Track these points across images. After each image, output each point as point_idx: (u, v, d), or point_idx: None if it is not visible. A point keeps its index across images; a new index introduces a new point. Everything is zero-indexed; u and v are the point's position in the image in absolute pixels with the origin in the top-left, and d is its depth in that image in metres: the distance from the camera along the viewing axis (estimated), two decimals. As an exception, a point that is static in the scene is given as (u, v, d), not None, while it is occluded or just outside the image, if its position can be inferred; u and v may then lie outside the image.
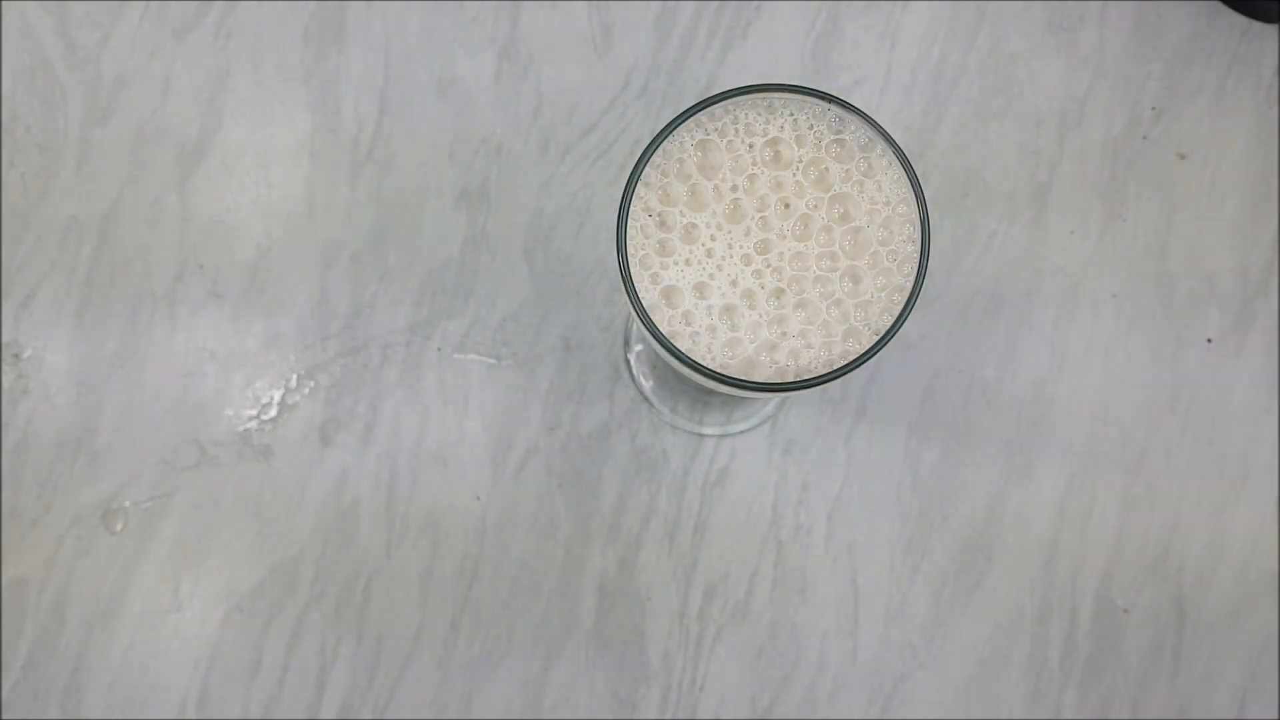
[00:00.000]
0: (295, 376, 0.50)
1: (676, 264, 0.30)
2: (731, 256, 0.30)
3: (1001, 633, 0.49)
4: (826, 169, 0.31)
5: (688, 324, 0.30)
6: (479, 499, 0.49)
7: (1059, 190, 0.50)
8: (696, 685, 0.48)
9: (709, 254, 0.31)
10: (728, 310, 0.31)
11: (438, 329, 0.50)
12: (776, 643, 0.48)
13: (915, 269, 0.30)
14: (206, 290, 0.50)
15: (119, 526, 0.49)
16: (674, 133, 0.31)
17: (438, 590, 0.49)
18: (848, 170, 0.31)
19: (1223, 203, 0.50)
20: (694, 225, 0.31)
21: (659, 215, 0.31)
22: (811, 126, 0.31)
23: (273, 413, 0.50)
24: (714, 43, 0.51)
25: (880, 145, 0.31)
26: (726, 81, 0.51)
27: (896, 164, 0.30)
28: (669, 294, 0.30)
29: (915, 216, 0.30)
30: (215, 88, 0.51)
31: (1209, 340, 0.50)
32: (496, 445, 0.49)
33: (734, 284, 0.30)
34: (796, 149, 0.31)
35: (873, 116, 0.31)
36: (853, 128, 0.31)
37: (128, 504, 0.49)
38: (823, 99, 0.30)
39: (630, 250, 0.30)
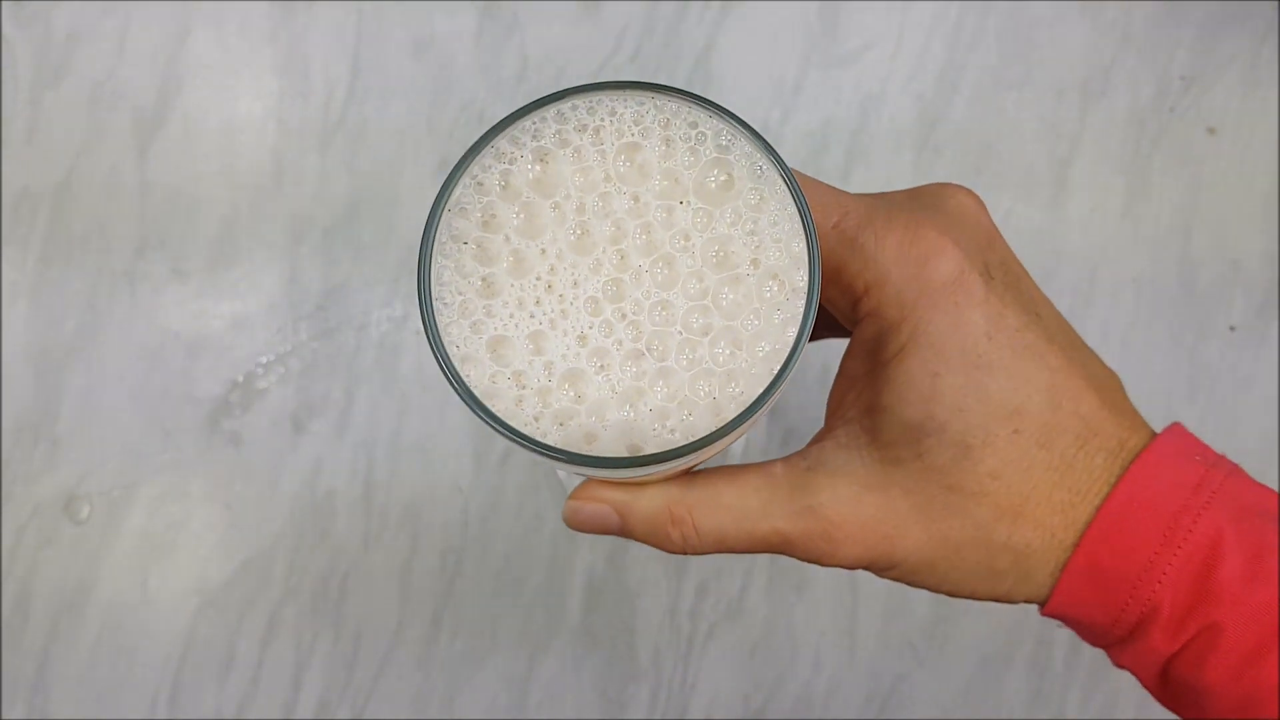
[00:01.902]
0: (265, 360, 0.47)
1: (506, 305, 0.24)
2: (577, 297, 0.24)
3: (1004, 631, 0.47)
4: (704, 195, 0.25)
5: (520, 385, 0.24)
6: (461, 490, 0.47)
7: (1080, 166, 0.47)
8: (687, 684, 0.47)
9: (549, 289, 0.24)
10: (571, 376, 0.24)
11: (416, 310, 0.47)
12: (771, 641, 0.47)
13: (796, 335, 0.23)
14: (169, 267, 0.47)
15: (83, 516, 0.47)
16: (500, 141, 0.24)
17: (418, 585, 0.47)
18: (730, 201, 0.24)
19: (1253, 181, 0.47)
20: (523, 254, 0.24)
21: (478, 244, 0.24)
22: (688, 138, 0.25)
23: (242, 398, 0.47)
24: (712, 2, 0.48)
25: (771, 174, 0.24)
26: (724, 46, 0.48)
27: (790, 200, 0.24)
28: (497, 345, 0.24)
29: (805, 266, 0.24)
30: (175, 47, 0.47)
31: (1232, 328, 0.47)
32: (479, 434, 0.47)
33: (582, 339, 0.24)
34: (662, 163, 0.25)
35: (768, 146, 0.24)
36: (744, 149, 0.24)
37: (91, 493, 0.47)
38: (704, 107, 0.24)
39: (443, 295, 0.24)
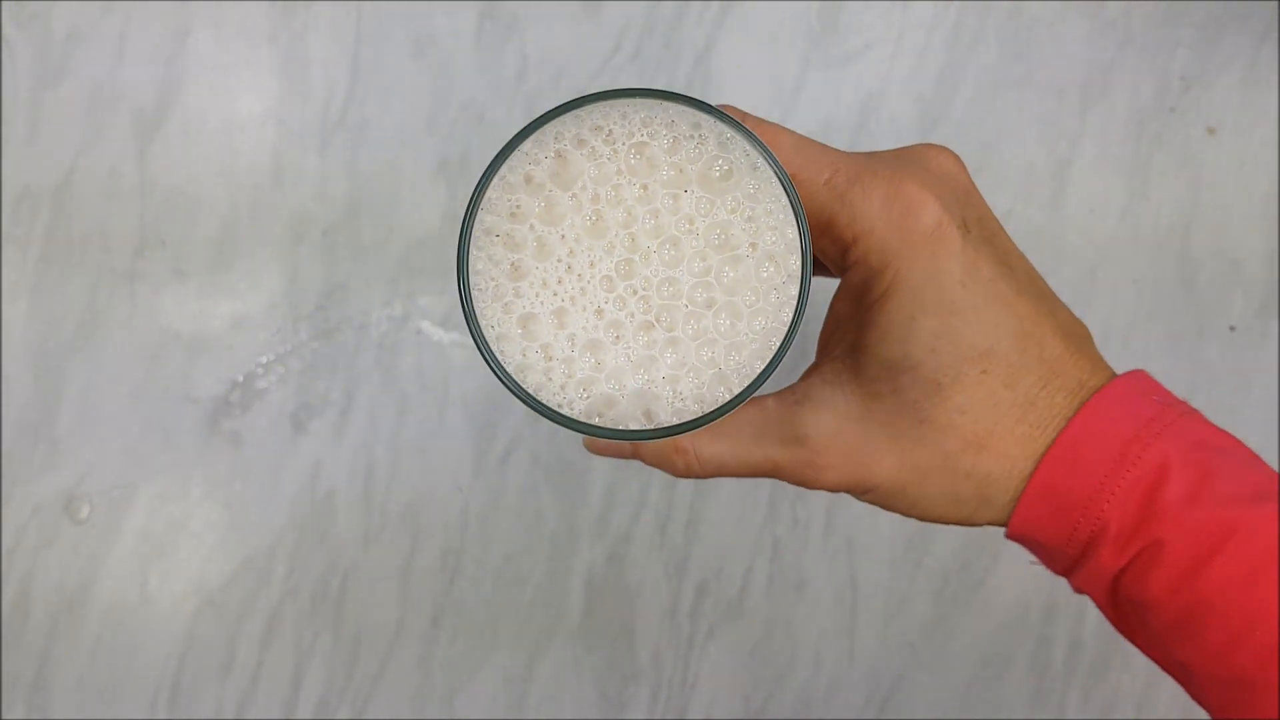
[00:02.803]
0: (265, 360, 0.47)
1: (533, 286, 0.27)
2: (594, 276, 0.27)
3: (1004, 631, 0.47)
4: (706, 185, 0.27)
5: (546, 358, 0.27)
6: (461, 490, 0.47)
7: (1080, 166, 0.47)
8: (687, 684, 0.47)
9: (569, 269, 0.27)
10: (591, 346, 0.27)
11: (416, 309, 0.47)
12: (771, 641, 0.47)
13: (793, 311, 0.26)
14: (169, 267, 0.47)
15: (83, 516, 0.47)
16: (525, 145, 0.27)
17: (418, 585, 0.47)
18: (730, 194, 0.27)
19: (1253, 181, 0.47)
20: (545, 239, 0.27)
21: (507, 234, 0.27)
22: (693, 137, 0.27)
23: (242, 398, 0.47)
24: (712, 2, 0.48)
25: (766, 170, 0.27)
26: (724, 46, 0.48)
27: (783, 193, 0.27)
28: (526, 322, 0.27)
29: (799, 251, 0.26)
30: (174, 47, 0.47)
31: (1232, 328, 0.47)
32: (479, 433, 0.47)
33: (599, 313, 0.27)
34: (669, 157, 0.27)
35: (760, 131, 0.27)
36: (743, 147, 0.27)
37: (91, 493, 0.47)
38: (707, 112, 0.27)
39: (478, 283, 0.27)
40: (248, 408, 0.47)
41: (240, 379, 0.47)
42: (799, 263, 0.26)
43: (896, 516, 0.47)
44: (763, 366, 0.26)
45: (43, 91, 0.47)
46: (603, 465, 0.47)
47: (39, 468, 0.47)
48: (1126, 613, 0.29)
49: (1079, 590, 0.30)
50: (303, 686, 0.46)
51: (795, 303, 0.26)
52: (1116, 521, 0.27)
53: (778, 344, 0.26)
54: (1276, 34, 0.47)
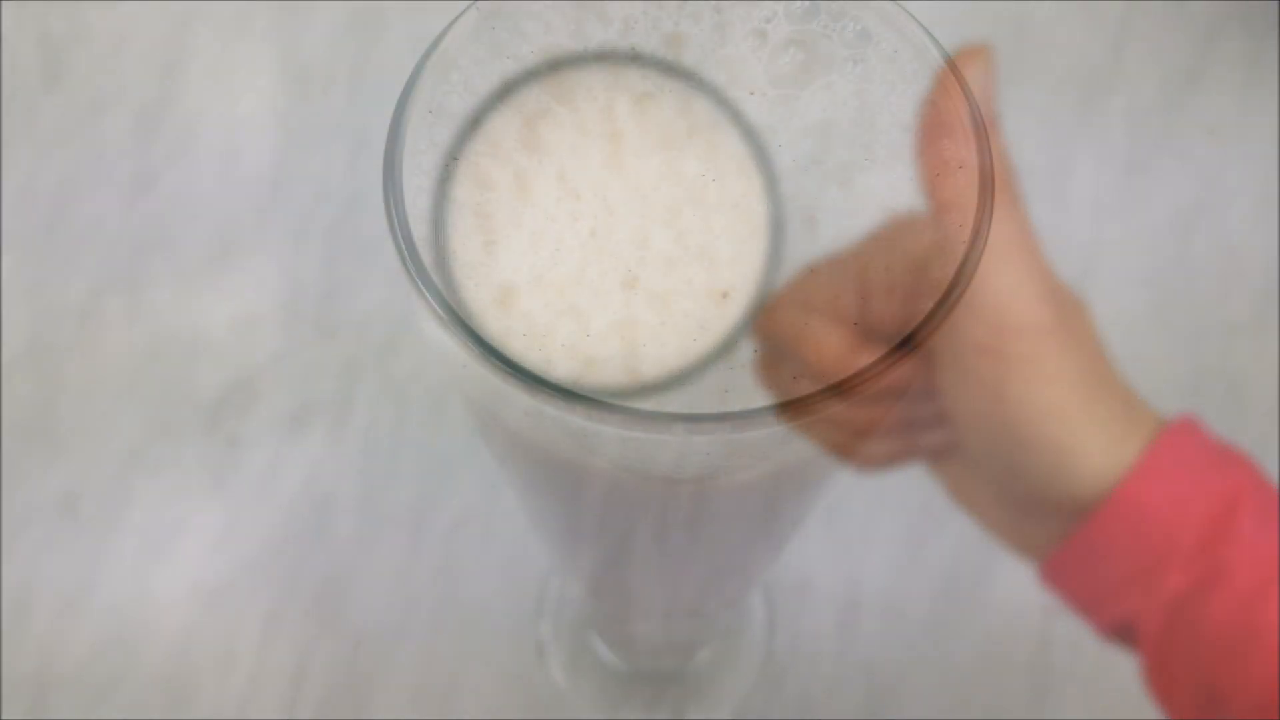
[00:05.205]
0: (265, 360, 0.47)
1: (508, 254, 0.27)
2: (566, 241, 0.27)
3: (1005, 630, 0.47)
4: (678, 145, 0.28)
5: (526, 328, 0.27)
6: (461, 490, 0.47)
7: (1080, 166, 0.47)
8: (688, 684, 0.47)
9: (541, 236, 0.27)
10: (571, 312, 0.27)
11: (416, 310, 0.47)
12: (771, 641, 0.47)
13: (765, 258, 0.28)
14: (169, 267, 0.47)
15: (83, 516, 0.47)
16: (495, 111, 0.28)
17: (418, 585, 0.47)
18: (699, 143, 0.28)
19: (1253, 181, 0.47)
20: (515, 207, 0.28)
21: (476, 206, 0.27)
22: (654, 96, 0.28)
23: (241, 398, 0.47)
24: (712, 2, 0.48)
25: (728, 125, 0.28)
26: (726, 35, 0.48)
27: (742, 142, 0.27)
28: (501, 295, 0.27)
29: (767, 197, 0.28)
30: (175, 47, 0.47)
31: (1232, 328, 0.47)
32: (479, 432, 0.47)
33: (576, 277, 0.27)
34: (632, 118, 0.28)
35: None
36: (702, 101, 0.28)
37: (91, 493, 0.47)
38: (665, 71, 0.28)
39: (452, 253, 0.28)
40: (248, 408, 0.47)
41: (239, 380, 0.47)
42: (770, 208, 0.27)
43: (897, 512, 0.47)
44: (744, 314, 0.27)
45: (43, 92, 0.47)
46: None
47: (39, 467, 0.47)
48: (1177, 639, 0.29)
49: (1112, 623, 0.30)
50: (303, 686, 0.46)
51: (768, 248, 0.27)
52: (1192, 542, 0.28)
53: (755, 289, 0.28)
54: (1276, 34, 0.47)
